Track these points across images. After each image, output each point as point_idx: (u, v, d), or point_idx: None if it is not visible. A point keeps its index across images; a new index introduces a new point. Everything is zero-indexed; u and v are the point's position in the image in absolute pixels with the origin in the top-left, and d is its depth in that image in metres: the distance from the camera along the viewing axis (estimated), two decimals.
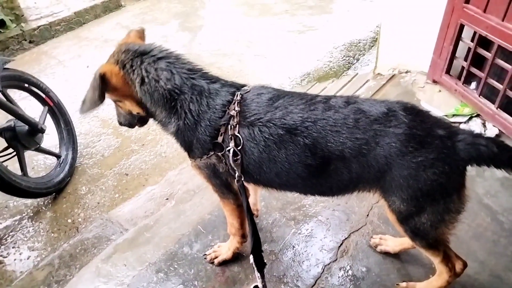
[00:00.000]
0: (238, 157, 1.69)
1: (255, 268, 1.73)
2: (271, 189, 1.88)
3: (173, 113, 1.72)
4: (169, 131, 1.81)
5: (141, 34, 1.91)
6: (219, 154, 1.73)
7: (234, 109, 1.67)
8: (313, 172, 1.65)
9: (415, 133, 1.52)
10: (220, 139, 1.70)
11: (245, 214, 1.81)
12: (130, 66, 1.68)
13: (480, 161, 1.57)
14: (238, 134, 1.66)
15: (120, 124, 2.02)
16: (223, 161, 1.75)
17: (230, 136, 1.67)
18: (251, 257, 1.74)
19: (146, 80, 1.67)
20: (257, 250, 1.75)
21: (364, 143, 1.54)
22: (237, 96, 1.70)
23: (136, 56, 1.68)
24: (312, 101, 1.66)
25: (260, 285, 1.72)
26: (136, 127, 2.02)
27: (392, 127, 1.53)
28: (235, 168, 1.71)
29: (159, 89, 1.68)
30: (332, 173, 1.64)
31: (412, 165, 1.51)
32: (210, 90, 1.71)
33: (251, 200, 2.30)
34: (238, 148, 1.67)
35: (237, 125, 1.66)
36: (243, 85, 1.80)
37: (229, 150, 1.68)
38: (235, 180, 1.75)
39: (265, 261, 1.80)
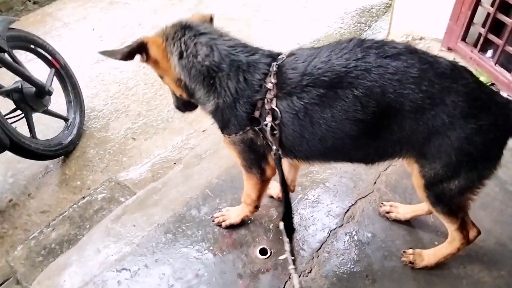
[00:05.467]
0: (276, 131, 1.64)
1: (285, 234, 1.77)
2: (313, 161, 1.81)
3: (212, 91, 1.67)
4: (207, 110, 1.76)
5: (207, 18, 1.80)
6: (256, 129, 1.68)
7: (270, 82, 1.59)
8: (362, 129, 1.54)
9: (479, 96, 1.47)
10: (257, 113, 1.64)
11: (281, 187, 1.80)
12: (172, 38, 1.64)
13: None
14: (275, 108, 1.59)
15: (176, 107, 2.02)
16: (260, 135, 1.70)
17: (268, 110, 1.60)
18: (281, 223, 1.78)
19: (184, 54, 1.63)
20: (288, 218, 1.79)
21: (428, 97, 1.44)
22: (273, 67, 1.61)
23: (179, 30, 1.65)
24: (360, 48, 1.51)
25: (287, 248, 1.77)
26: (188, 113, 2.04)
27: (460, 85, 1.45)
28: (272, 142, 1.67)
29: (196, 65, 1.63)
30: (383, 131, 1.54)
31: (472, 127, 1.45)
32: (248, 64, 1.63)
33: (290, 177, 2.26)
34: (276, 122, 1.61)
35: (274, 98, 1.59)
36: (279, 54, 1.69)
37: (266, 125, 1.63)
38: (272, 153, 1.71)
39: (294, 227, 1.84)
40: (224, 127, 1.76)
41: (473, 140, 1.47)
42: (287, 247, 1.76)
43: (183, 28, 1.65)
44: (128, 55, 1.61)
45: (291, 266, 1.72)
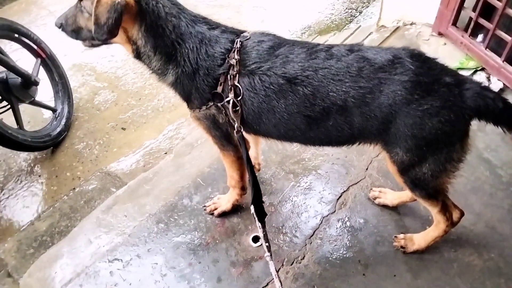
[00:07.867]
0: (237, 108, 1.65)
1: (256, 218, 1.74)
2: (271, 139, 1.86)
3: (172, 61, 1.66)
4: (166, 81, 1.75)
5: None
6: (219, 104, 1.69)
7: (234, 58, 1.61)
8: (311, 123, 1.62)
9: (422, 80, 1.48)
10: (219, 89, 1.65)
11: (245, 165, 1.79)
12: (146, 3, 1.59)
13: (483, 113, 1.54)
14: (238, 84, 1.62)
15: (61, 26, 1.76)
16: (223, 111, 1.71)
17: (230, 86, 1.62)
18: (252, 207, 1.75)
19: (155, 24, 1.61)
20: (257, 200, 1.75)
21: (368, 91, 1.50)
22: (236, 43, 1.64)
23: None
24: (313, 50, 1.60)
25: (261, 234, 1.74)
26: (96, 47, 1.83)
27: (398, 75, 1.48)
28: (234, 119, 1.68)
29: (164, 37, 1.62)
30: (332, 126, 1.60)
31: (417, 113, 1.48)
32: (210, 37, 1.65)
33: (252, 153, 2.28)
34: (238, 99, 1.63)
35: (237, 75, 1.61)
36: (243, 31, 1.72)
37: (228, 101, 1.64)
38: (235, 131, 1.72)
39: (265, 211, 1.81)
40: (187, 100, 1.77)
41: (422, 124, 1.50)
42: (260, 232, 1.73)
43: None
44: (117, 30, 1.52)
45: (267, 253, 1.69)
